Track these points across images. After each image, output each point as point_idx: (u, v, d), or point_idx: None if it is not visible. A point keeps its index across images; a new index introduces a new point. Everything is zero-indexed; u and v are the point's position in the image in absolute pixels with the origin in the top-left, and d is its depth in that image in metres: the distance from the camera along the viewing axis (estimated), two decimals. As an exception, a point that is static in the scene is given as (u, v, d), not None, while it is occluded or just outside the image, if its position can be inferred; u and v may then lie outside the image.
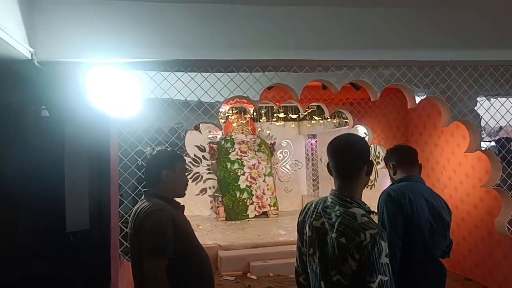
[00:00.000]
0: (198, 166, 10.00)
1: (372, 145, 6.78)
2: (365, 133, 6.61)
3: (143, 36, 3.27)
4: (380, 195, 2.53)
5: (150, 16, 3.29)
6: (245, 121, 10.16)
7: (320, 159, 10.36)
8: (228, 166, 9.67)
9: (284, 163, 10.85)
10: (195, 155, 9.96)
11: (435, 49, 3.70)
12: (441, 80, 3.92)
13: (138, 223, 2.22)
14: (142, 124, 3.54)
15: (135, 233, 2.26)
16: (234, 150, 9.85)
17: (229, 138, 9.96)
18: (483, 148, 4.07)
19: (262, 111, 9.25)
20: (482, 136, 4.03)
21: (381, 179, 7.50)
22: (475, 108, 4.00)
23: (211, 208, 9.93)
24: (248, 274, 6.08)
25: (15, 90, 3.32)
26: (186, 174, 2.47)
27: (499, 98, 4.08)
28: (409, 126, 6.64)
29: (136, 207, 2.34)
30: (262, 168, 9.87)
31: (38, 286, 3.14)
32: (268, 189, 9.80)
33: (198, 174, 9.99)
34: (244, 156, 9.83)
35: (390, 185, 2.66)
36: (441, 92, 3.92)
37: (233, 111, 9.46)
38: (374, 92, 3.85)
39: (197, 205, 9.61)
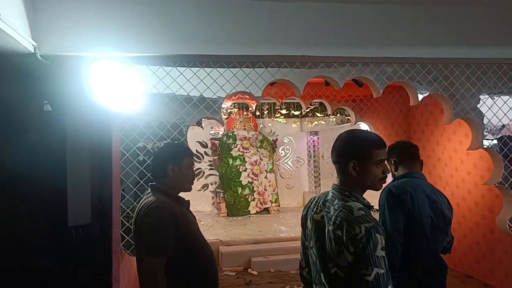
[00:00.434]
0: (200, 162, 10.02)
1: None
2: (367, 130, 6.60)
3: (146, 30, 3.26)
4: (382, 192, 2.53)
5: (153, 10, 3.29)
6: (247, 117, 10.16)
7: (322, 156, 10.37)
8: (230, 162, 9.69)
9: (286, 160, 10.86)
10: (197, 150, 9.97)
11: (438, 46, 3.69)
12: (444, 78, 3.91)
13: (140, 219, 2.20)
14: (144, 119, 3.54)
15: (136, 229, 2.25)
16: (236, 146, 9.86)
17: (231, 134, 9.97)
18: (485, 146, 4.06)
19: (265, 107, 9.25)
20: (485, 134, 4.02)
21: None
22: (478, 106, 3.99)
23: (213, 204, 9.95)
24: (249, 269, 6.10)
25: (17, 84, 3.32)
26: (193, 167, 2.44)
27: (501, 96, 4.07)
28: (411, 124, 6.63)
29: (140, 202, 2.32)
30: (264, 165, 9.88)
31: (39, 280, 3.15)
32: (269, 185, 9.82)
33: (200, 170, 10.00)
34: (246, 152, 9.85)
35: (392, 181, 2.66)
36: (443, 90, 3.91)
37: (236, 107, 9.47)
38: (377, 89, 3.84)
39: (198, 201, 9.62)
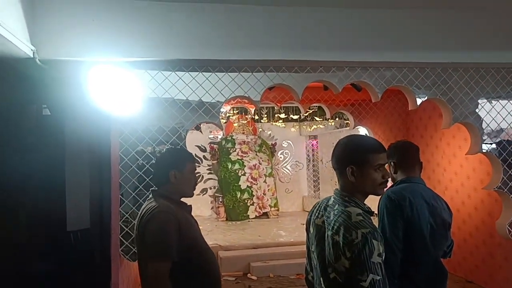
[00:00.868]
0: (199, 166, 9.99)
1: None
2: (366, 134, 6.60)
3: (145, 35, 3.27)
4: (380, 197, 2.52)
5: (152, 15, 3.30)
6: (246, 122, 10.16)
7: (321, 160, 10.36)
8: (229, 167, 9.68)
9: (285, 164, 10.85)
10: (196, 155, 9.94)
11: (437, 50, 3.70)
12: (443, 82, 3.91)
13: (143, 225, 2.19)
14: (143, 123, 3.54)
15: (139, 235, 2.24)
16: (235, 151, 9.85)
17: (230, 138, 9.97)
18: (484, 150, 4.06)
19: (263, 112, 9.25)
20: (483, 138, 4.03)
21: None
22: (476, 110, 4.00)
23: (212, 208, 9.93)
24: (249, 274, 6.07)
25: (16, 89, 3.32)
26: (195, 172, 2.43)
27: (500, 100, 4.07)
28: (410, 128, 6.63)
29: (142, 207, 2.31)
30: (263, 169, 9.87)
31: (38, 285, 3.14)
32: (268, 189, 9.80)
33: (198, 174, 9.97)
34: (245, 156, 9.84)
35: (391, 186, 2.65)
36: (442, 94, 3.92)
37: (234, 111, 9.47)
38: (376, 93, 3.85)
39: (197, 205, 9.57)
